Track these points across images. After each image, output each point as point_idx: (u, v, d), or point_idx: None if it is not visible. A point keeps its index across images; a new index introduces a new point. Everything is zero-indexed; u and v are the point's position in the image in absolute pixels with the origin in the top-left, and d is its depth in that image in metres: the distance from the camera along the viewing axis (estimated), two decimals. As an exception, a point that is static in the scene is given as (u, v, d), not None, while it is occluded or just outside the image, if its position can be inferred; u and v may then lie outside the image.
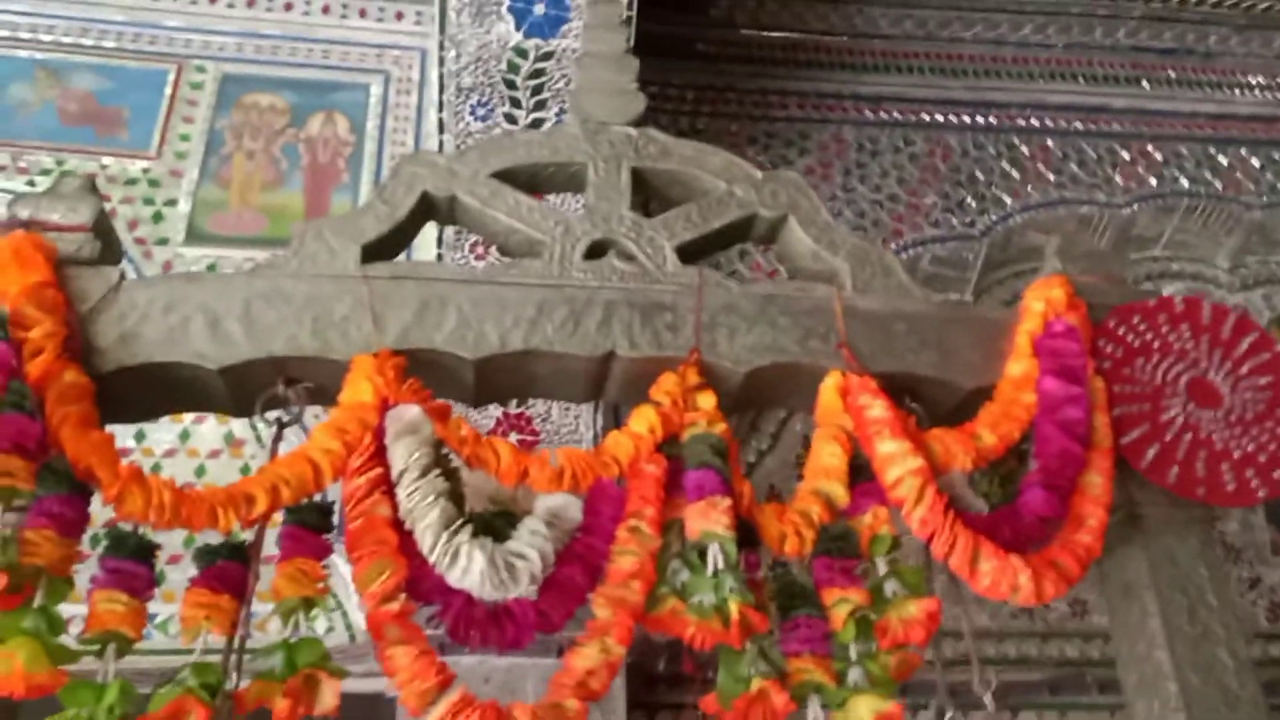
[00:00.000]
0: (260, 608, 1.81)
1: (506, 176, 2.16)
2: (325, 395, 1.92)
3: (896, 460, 1.86)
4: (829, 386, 1.97)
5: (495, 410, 3.73)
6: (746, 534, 1.87)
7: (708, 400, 1.95)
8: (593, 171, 2.18)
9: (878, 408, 1.92)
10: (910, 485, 1.83)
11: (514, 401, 3.85)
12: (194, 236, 3.93)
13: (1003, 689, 3.63)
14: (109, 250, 1.96)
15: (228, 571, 1.69)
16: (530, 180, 2.20)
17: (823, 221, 2.18)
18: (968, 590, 3.48)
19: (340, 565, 3.30)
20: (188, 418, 3.71)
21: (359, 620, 3.30)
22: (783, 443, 4.07)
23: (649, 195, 2.27)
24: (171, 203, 3.99)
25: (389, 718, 3.13)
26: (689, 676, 3.30)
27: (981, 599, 3.57)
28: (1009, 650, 3.60)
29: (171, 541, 3.15)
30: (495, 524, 1.82)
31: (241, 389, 1.91)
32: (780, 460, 4.08)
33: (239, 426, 3.73)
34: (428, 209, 2.13)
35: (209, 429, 3.76)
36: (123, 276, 1.92)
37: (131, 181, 4.03)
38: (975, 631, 3.54)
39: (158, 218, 3.94)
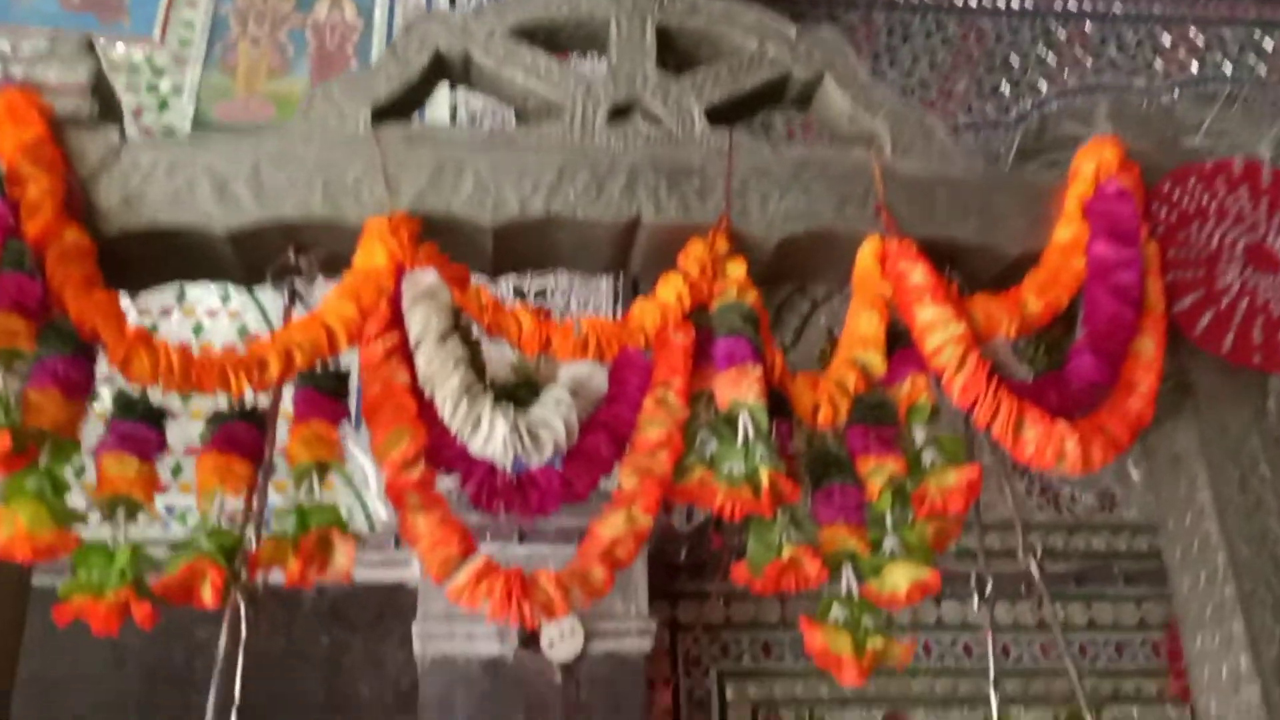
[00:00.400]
0: (275, 499, 1.75)
1: (524, 34, 2.03)
2: (338, 264, 1.83)
3: (938, 327, 1.77)
4: (867, 252, 1.87)
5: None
6: (778, 404, 1.79)
7: (738, 269, 1.86)
8: (615, 28, 2.05)
9: (918, 273, 1.82)
10: (952, 352, 1.75)
11: (533, 296, 3.78)
12: (200, 124, 3.81)
13: (1029, 580, 3.61)
14: (109, 110, 1.86)
15: (241, 434, 1.63)
16: (549, 39, 2.07)
17: (861, 81, 2.05)
18: (993, 480, 3.45)
19: (359, 455, 3.28)
20: (200, 312, 3.65)
21: (379, 509, 3.29)
22: (806, 338, 3.98)
23: (674, 56, 2.14)
24: (176, 90, 3.87)
25: (410, 607, 3.12)
26: (711, 565, 3.28)
27: (1002, 493, 3.54)
28: (1034, 542, 3.53)
29: (188, 433, 3.11)
30: (518, 393, 1.75)
31: (251, 256, 1.83)
32: (804, 355, 3.99)
33: (254, 322, 3.66)
34: (441, 68, 2.01)
35: (224, 325, 3.70)
36: (124, 137, 1.82)
37: (135, 69, 3.91)
38: (1000, 525, 3.51)
39: (163, 106, 3.83)
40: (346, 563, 1.56)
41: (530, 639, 2.97)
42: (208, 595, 1.52)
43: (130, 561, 1.47)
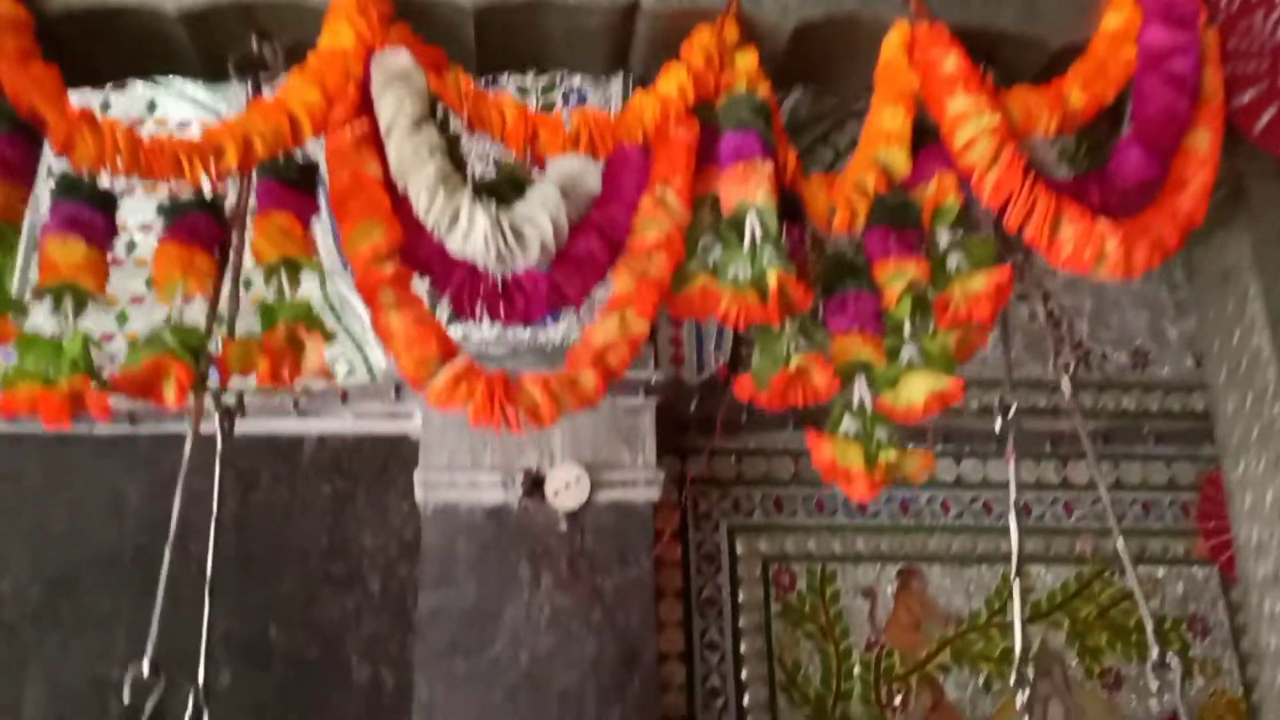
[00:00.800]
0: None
1: None
2: (303, 55, 1.66)
3: (970, 118, 1.59)
4: (894, 40, 1.68)
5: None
6: (790, 208, 1.64)
7: (748, 60, 1.68)
8: None
9: (950, 61, 1.63)
10: (984, 146, 1.57)
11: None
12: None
13: (1054, 438, 3.49)
14: (45, -126, 1.67)
15: (199, 224, 1.50)
16: None
17: None
18: (1020, 336, 3.27)
19: (357, 304, 3.15)
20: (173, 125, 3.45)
21: (379, 359, 3.17)
22: (828, 189, 3.78)
23: None
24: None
25: (413, 460, 3.04)
26: (720, 420, 3.17)
27: (1036, 347, 3.39)
28: (1061, 400, 3.40)
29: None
30: (501, 189, 1.59)
31: (208, 42, 1.67)
32: (824, 209, 3.80)
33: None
34: None
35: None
36: (61, -96, 1.64)
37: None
38: (1028, 382, 3.36)
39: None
40: (317, 360, 1.44)
41: (534, 487, 2.88)
42: (171, 393, 1.41)
43: (82, 351, 1.35)
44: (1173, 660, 1.52)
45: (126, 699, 1.36)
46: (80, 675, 2.91)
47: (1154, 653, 1.54)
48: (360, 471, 3.19)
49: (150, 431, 3.10)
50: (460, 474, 2.93)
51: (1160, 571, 3.29)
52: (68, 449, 3.12)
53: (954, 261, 1.58)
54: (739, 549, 3.21)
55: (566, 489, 2.90)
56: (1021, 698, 1.57)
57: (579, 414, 2.95)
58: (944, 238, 1.61)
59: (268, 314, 1.45)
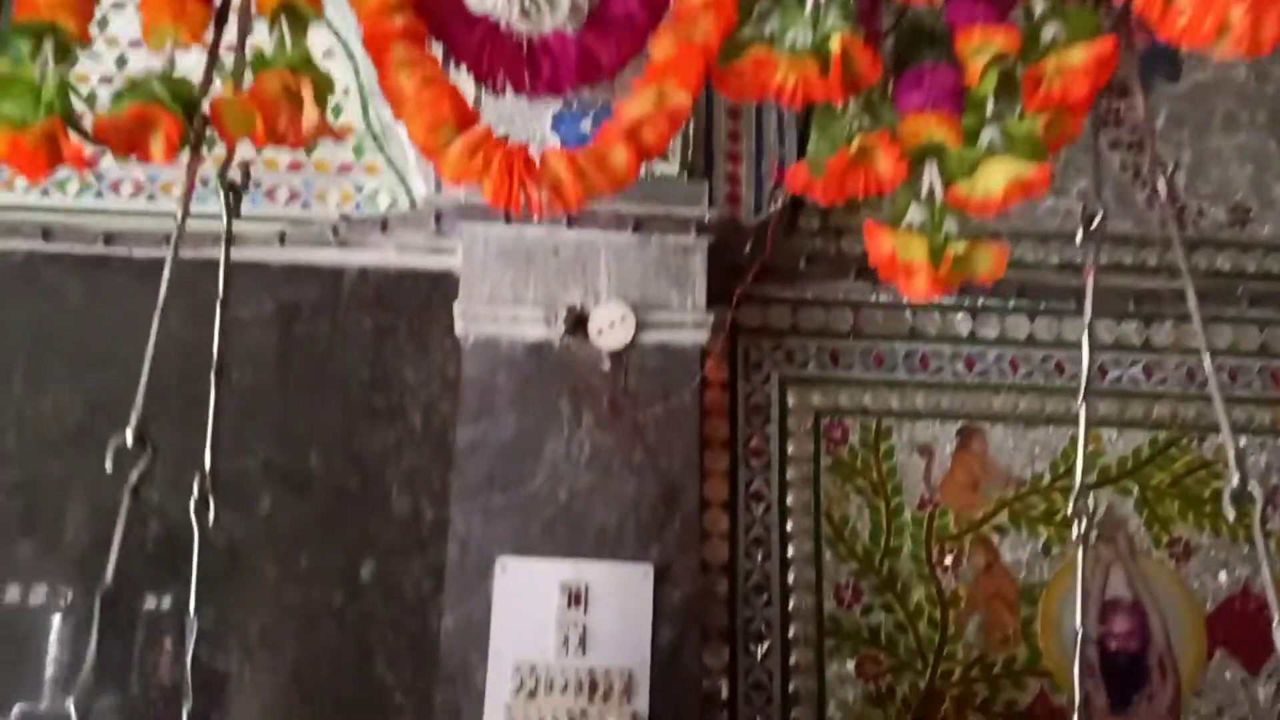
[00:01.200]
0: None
1: None
2: None
3: None
4: None
5: None
6: (861, -29, 1.43)
7: None
8: None
9: None
10: (1094, -106, 1.34)
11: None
12: None
13: (1138, 296, 3.25)
14: None
15: (189, -35, 1.34)
16: None
17: None
18: (1112, 187, 3.03)
19: (400, 130, 3.00)
20: None
21: (419, 186, 3.04)
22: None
23: None
24: None
25: (455, 297, 2.92)
26: (774, 266, 3.00)
27: (1124, 199, 3.13)
28: (1149, 258, 3.16)
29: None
30: (530, -63, 1.41)
31: None
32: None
33: None
34: None
35: None
36: None
37: None
38: (1113, 238, 3.12)
39: None
40: (314, 115, 1.30)
41: (577, 325, 2.76)
42: (159, 148, 1.28)
43: (59, 93, 1.23)
44: (1254, 488, 1.36)
45: (109, 468, 1.28)
46: (121, 496, 2.91)
47: (1234, 480, 1.39)
48: (402, 305, 3.09)
49: (190, 256, 3.01)
50: (502, 308, 2.82)
51: (1243, 441, 3.07)
52: (107, 271, 3.08)
53: (1050, 32, 1.37)
54: (790, 401, 3.07)
55: (611, 328, 2.77)
56: (1078, 528, 1.44)
57: (626, 251, 2.85)
58: (1040, 5, 1.39)
59: (260, 63, 1.30)
